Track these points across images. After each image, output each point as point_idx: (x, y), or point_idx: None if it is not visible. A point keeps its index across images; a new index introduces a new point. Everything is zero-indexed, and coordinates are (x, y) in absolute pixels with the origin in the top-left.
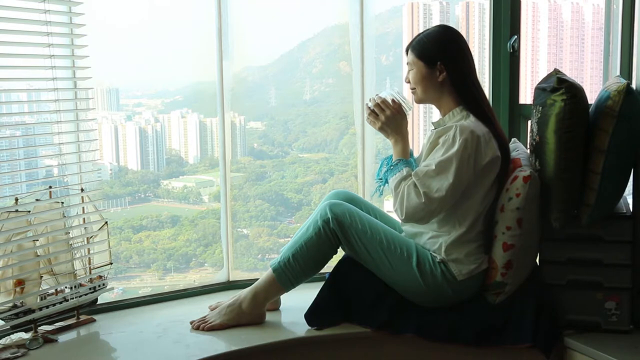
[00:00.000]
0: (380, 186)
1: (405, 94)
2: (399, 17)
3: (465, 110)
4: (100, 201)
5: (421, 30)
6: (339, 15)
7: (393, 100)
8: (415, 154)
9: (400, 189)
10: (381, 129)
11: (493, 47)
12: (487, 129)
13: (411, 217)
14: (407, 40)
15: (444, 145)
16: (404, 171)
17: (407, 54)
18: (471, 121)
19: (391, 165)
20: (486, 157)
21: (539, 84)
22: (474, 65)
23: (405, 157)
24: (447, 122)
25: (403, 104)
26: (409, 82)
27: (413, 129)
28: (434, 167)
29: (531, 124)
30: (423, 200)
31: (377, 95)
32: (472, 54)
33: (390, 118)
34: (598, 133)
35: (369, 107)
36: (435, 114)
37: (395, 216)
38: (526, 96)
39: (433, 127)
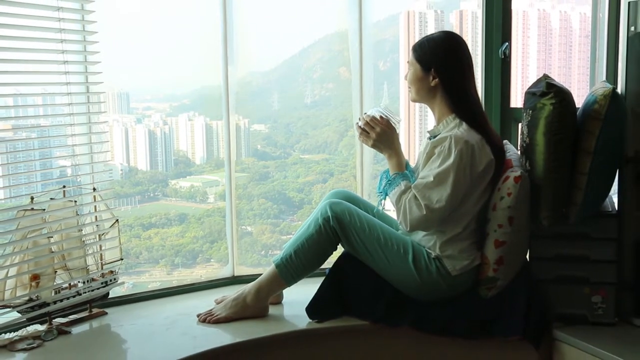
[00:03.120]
0: (381, 200)
1: (402, 95)
2: (396, 25)
3: (457, 119)
4: (111, 200)
5: (417, 38)
6: (338, 23)
7: (381, 117)
8: (411, 164)
9: (402, 203)
10: (374, 146)
11: (485, 53)
12: (479, 136)
13: (415, 228)
14: (404, 46)
15: (440, 156)
16: (402, 185)
17: (411, 52)
18: (464, 129)
19: (389, 180)
20: (481, 165)
21: (529, 88)
22: (471, 75)
23: (401, 169)
24: (441, 130)
25: (391, 118)
26: (406, 79)
27: (409, 136)
28: (432, 178)
29: (522, 127)
30: (424, 213)
31: (365, 114)
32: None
33: (381, 134)
34: (585, 135)
35: (360, 127)
36: (430, 120)
37: (393, 215)
38: (517, 100)
39: (428, 136)
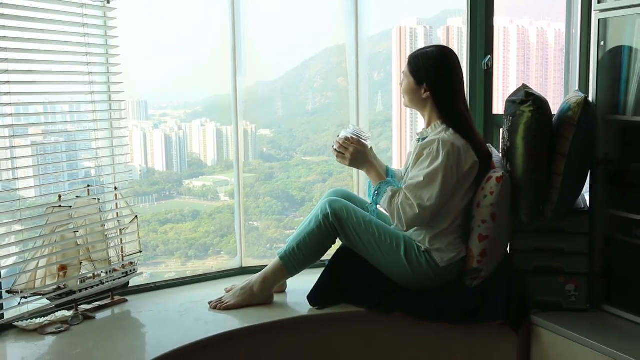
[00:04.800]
0: (374, 209)
1: (394, 102)
2: (389, 39)
3: (445, 124)
4: (131, 198)
5: (409, 51)
6: (337, 37)
7: (352, 137)
8: (403, 162)
9: (394, 207)
10: (351, 165)
11: (470, 65)
12: (464, 140)
13: (411, 226)
14: (396, 59)
15: (429, 157)
16: (389, 191)
17: (406, 64)
18: (451, 134)
19: (376, 190)
20: (466, 165)
21: (509, 97)
22: (460, 88)
23: (382, 178)
24: (429, 133)
25: (360, 137)
26: (401, 86)
27: (401, 137)
28: (422, 178)
29: (503, 132)
30: (417, 212)
31: (338, 136)
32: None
33: (354, 153)
34: (560, 140)
35: (335, 150)
36: (420, 123)
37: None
38: (498, 107)
39: (417, 138)
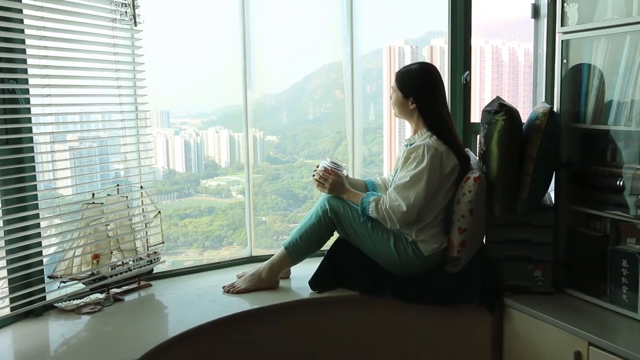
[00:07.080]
0: (366, 222)
1: (385, 112)
2: (380, 57)
3: (429, 131)
4: (155, 196)
5: (397, 67)
6: (335, 55)
7: (331, 169)
8: (391, 168)
9: (382, 212)
10: (329, 193)
11: (451, 79)
12: (446, 146)
13: (403, 224)
14: (387, 74)
15: (415, 161)
16: (372, 201)
17: (394, 80)
18: (434, 140)
19: (362, 209)
20: (448, 167)
21: (485, 107)
22: (442, 99)
23: (361, 196)
24: (416, 140)
25: (338, 169)
26: (391, 100)
27: (391, 143)
28: (408, 178)
29: (479, 138)
30: (405, 209)
31: (317, 167)
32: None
33: (333, 183)
34: (529, 145)
35: (316, 179)
36: (407, 130)
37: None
38: (476, 116)
39: (405, 143)
